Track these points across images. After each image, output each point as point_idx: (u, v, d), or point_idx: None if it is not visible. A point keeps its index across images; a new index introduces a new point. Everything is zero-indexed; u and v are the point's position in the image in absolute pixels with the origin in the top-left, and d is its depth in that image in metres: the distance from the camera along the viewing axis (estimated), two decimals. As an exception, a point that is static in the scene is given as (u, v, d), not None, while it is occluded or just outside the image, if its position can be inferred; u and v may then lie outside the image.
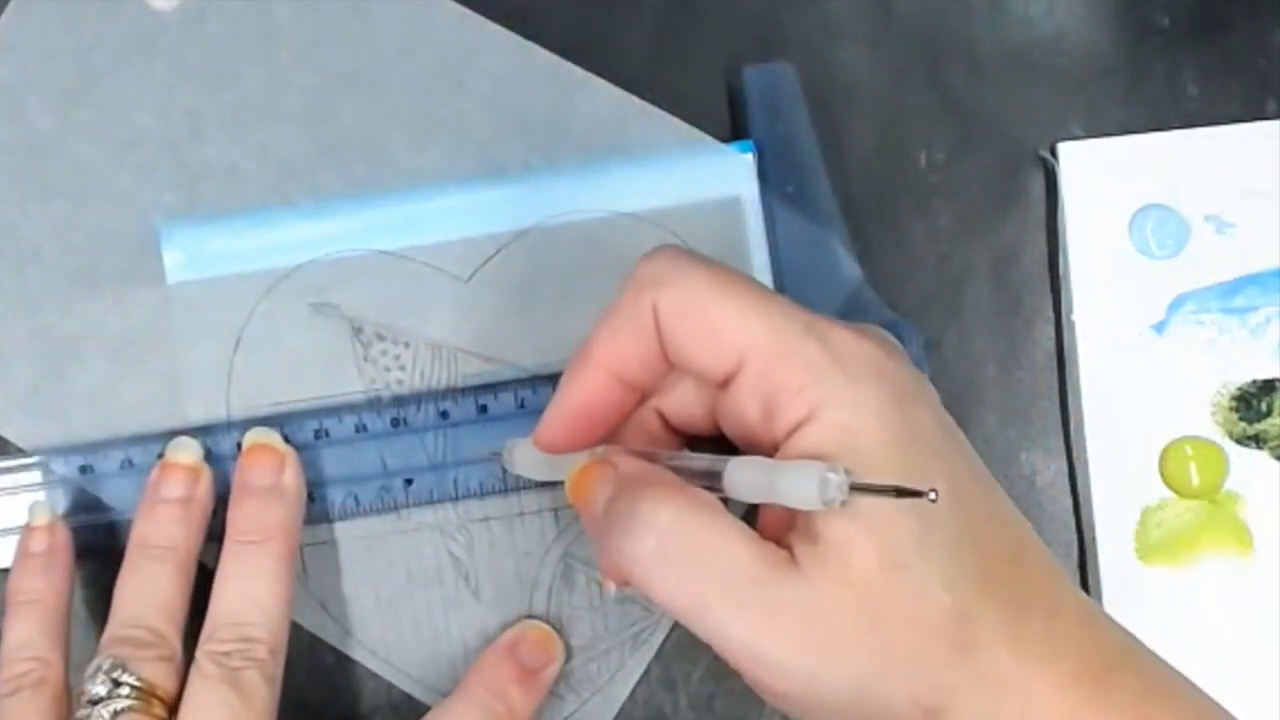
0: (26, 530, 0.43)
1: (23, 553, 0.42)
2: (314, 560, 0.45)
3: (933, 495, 0.32)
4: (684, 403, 0.40)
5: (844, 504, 0.33)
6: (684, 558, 0.35)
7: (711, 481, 0.36)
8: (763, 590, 0.34)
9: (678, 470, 0.37)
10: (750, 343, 0.35)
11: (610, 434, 0.39)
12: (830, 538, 0.34)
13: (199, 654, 0.40)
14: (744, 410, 0.36)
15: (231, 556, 0.41)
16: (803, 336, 0.35)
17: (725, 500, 0.36)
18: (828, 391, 0.34)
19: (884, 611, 0.34)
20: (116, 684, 0.39)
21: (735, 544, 0.34)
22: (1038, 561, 0.36)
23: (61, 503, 0.44)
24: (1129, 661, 0.35)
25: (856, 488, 0.33)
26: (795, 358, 0.35)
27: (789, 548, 0.35)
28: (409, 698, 0.45)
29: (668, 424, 0.40)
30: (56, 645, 0.41)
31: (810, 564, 0.34)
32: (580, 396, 0.38)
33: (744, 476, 0.35)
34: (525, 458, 0.42)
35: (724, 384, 0.37)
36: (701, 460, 0.37)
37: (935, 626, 0.34)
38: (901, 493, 0.32)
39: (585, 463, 0.39)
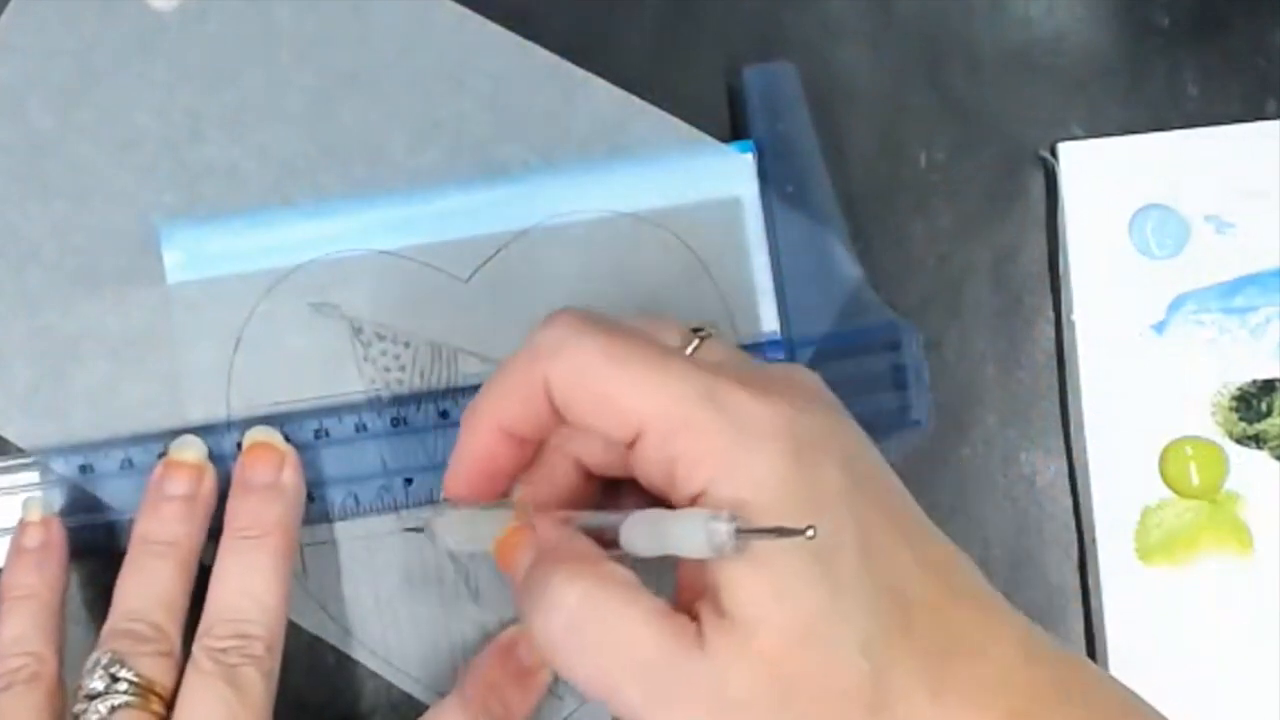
0: (21, 525, 0.43)
1: (17, 548, 0.42)
2: (314, 560, 0.45)
3: (810, 533, 0.32)
4: (596, 451, 0.39)
5: (736, 550, 0.33)
6: (592, 640, 0.34)
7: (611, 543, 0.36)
8: (669, 672, 0.33)
9: (589, 530, 0.37)
10: (647, 413, 0.35)
11: (514, 479, 0.39)
12: (737, 610, 0.33)
13: (196, 649, 0.40)
14: (648, 473, 0.36)
15: (229, 552, 0.41)
16: (701, 405, 0.34)
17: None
18: (725, 461, 0.34)
19: (795, 684, 0.33)
20: (114, 679, 0.39)
21: (641, 625, 0.34)
22: (968, 598, 0.35)
23: (61, 503, 0.44)
24: (1066, 693, 0.35)
25: (744, 532, 0.33)
26: (693, 428, 0.34)
27: (698, 617, 0.34)
28: (409, 698, 0.45)
29: (589, 469, 0.40)
30: (50, 640, 0.41)
31: (717, 637, 0.33)
32: (475, 453, 0.38)
33: (639, 532, 0.35)
34: (446, 530, 0.41)
35: (630, 445, 0.36)
36: (607, 518, 0.36)
37: (850, 693, 0.33)
38: (782, 533, 0.32)
39: (509, 530, 0.38)
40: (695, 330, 0.39)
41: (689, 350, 0.38)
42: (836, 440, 0.35)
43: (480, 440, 0.38)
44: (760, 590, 0.33)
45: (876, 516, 0.34)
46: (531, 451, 0.39)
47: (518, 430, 0.38)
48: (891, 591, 0.34)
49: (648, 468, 0.35)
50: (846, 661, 0.33)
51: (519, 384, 0.37)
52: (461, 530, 0.41)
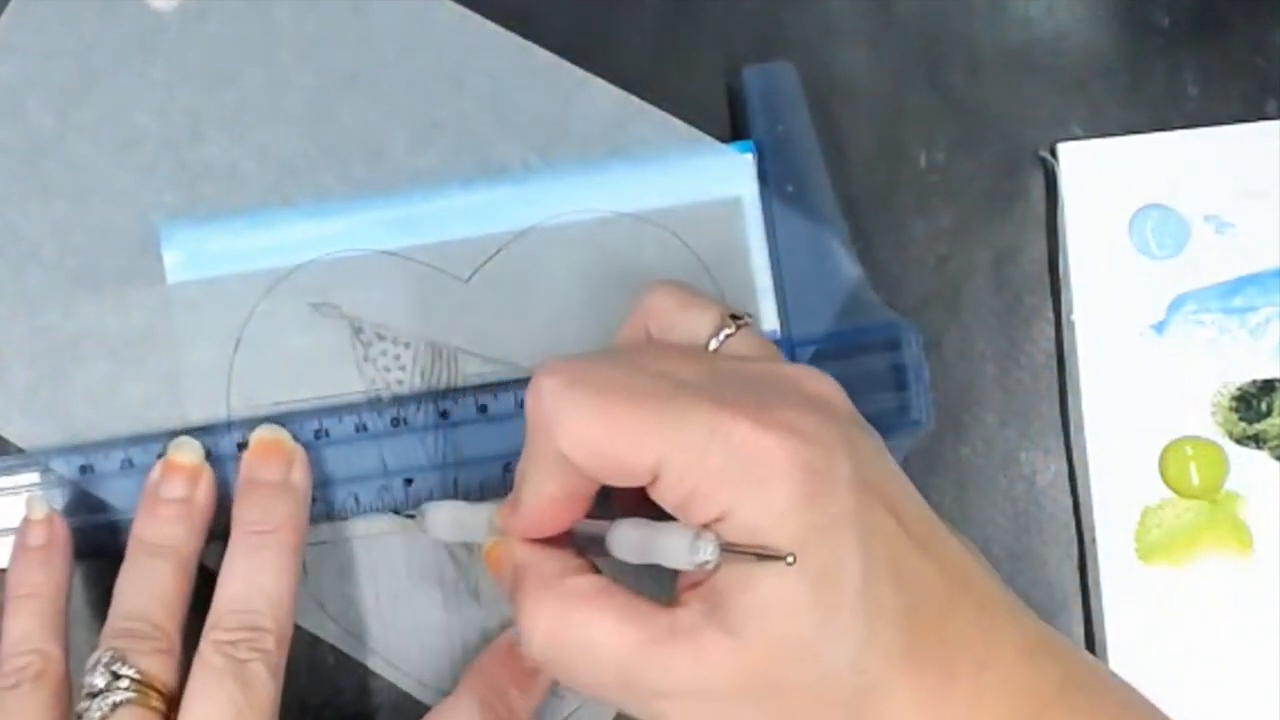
0: (24, 524, 0.43)
1: (21, 546, 0.42)
2: (314, 560, 0.45)
3: (790, 559, 0.33)
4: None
5: (717, 566, 0.34)
6: (568, 652, 0.36)
7: (601, 544, 0.37)
8: (644, 666, 0.35)
9: (576, 534, 0.38)
10: (656, 459, 0.35)
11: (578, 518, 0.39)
12: (734, 614, 0.34)
13: (204, 643, 0.40)
14: (666, 502, 0.36)
15: (238, 548, 0.41)
16: (706, 443, 0.34)
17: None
18: (733, 498, 0.34)
19: (779, 686, 0.34)
20: (116, 676, 0.39)
21: (610, 629, 0.35)
22: (972, 607, 0.36)
23: (61, 503, 0.44)
24: (1066, 695, 0.35)
25: (726, 548, 0.34)
26: (701, 467, 0.35)
27: (690, 606, 0.35)
28: (409, 697, 0.45)
29: None
30: (56, 638, 0.41)
31: (708, 631, 0.34)
32: (536, 516, 0.38)
33: (626, 537, 0.37)
34: (436, 521, 0.43)
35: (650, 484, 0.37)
36: (596, 525, 0.38)
37: (835, 699, 0.34)
38: (764, 556, 0.34)
39: (488, 545, 0.40)
40: (734, 317, 0.39)
41: (717, 342, 0.39)
42: (845, 460, 0.35)
43: (540, 508, 0.38)
44: (759, 601, 0.34)
45: (883, 536, 0.35)
46: (594, 491, 0.38)
47: (578, 493, 0.38)
48: (891, 613, 0.34)
49: (665, 499, 0.36)
50: (835, 675, 0.34)
51: (545, 463, 0.37)
52: (450, 523, 0.42)
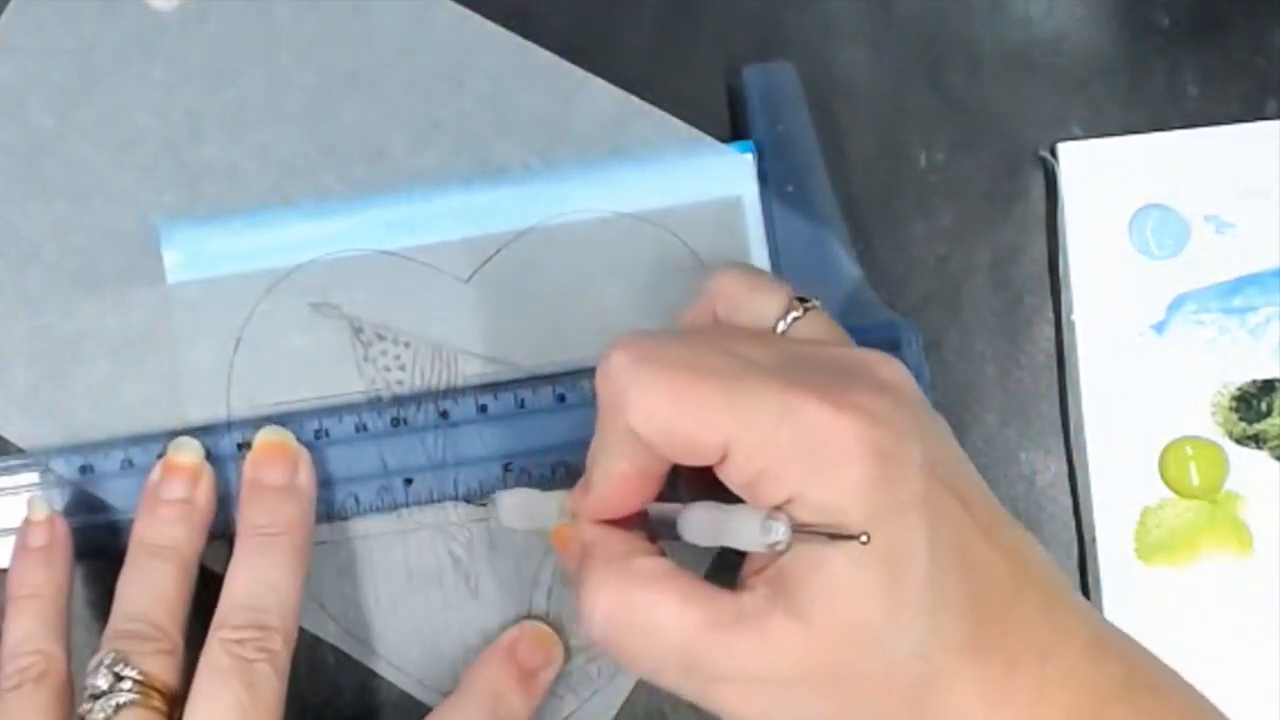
0: (26, 525, 0.43)
1: (22, 547, 0.42)
2: (314, 560, 0.45)
3: (864, 539, 0.33)
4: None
5: (788, 548, 0.34)
6: (629, 632, 0.36)
7: (672, 527, 0.37)
8: (708, 650, 0.35)
9: (648, 518, 0.38)
10: (726, 438, 0.35)
11: (652, 496, 0.39)
12: (802, 599, 0.34)
13: (211, 641, 0.40)
14: (733, 482, 0.36)
15: (246, 549, 0.41)
16: (776, 423, 0.34)
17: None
18: (802, 478, 0.34)
19: (845, 673, 0.34)
20: (118, 678, 0.39)
21: (674, 611, 0.35)
22: (1037, 599, 0.35)
23: (61, 503, 0.44)
24: (1129, 693, 0.35)
25: (798, 529, 0.34)
26: (771, 448, 0.34)
27: (756, 591, 0.35)
28: (409, 697, 0.45)
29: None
30: (58, 638, 0.41)
31: (776, 617, 0.34)
32: (610, 496, 0.38)
33: (697, 519, 0.37)
34: (508, 510, 0.43)
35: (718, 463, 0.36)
36: (666, 508, 0.38)
37: (899, 688, 0.34)
38: (836, 535, 0.33)
39: (557, 527, 0.40)
40: (801, 299, 0.39)
41: (785, 324, 0.39)
42: (915, 445, 0.35)
43: (611, 487, 0.38)
44: (828, 583, 0.34)
45: (950, 522, 0.35)
46: (665, 470, 0.38)
47: (648, 471, 0.38)
48: (960, 607, 0.34)
49: (732, 479, 0.36)
50: (900, 663, 0.34)
51: (615, 440, 0.37)
52: (522, 509, 0.43)
